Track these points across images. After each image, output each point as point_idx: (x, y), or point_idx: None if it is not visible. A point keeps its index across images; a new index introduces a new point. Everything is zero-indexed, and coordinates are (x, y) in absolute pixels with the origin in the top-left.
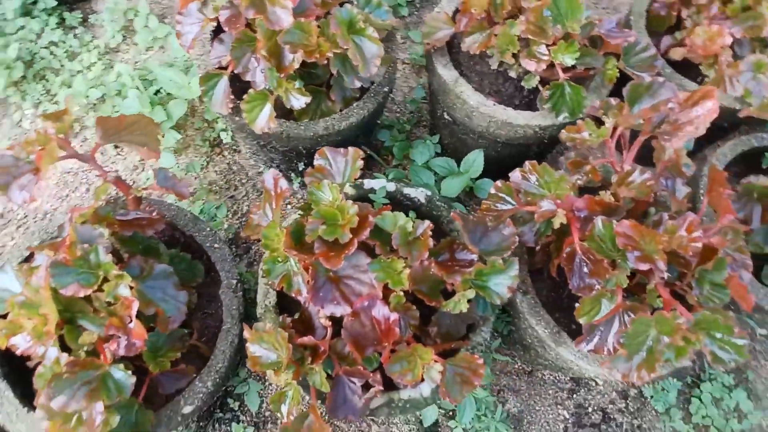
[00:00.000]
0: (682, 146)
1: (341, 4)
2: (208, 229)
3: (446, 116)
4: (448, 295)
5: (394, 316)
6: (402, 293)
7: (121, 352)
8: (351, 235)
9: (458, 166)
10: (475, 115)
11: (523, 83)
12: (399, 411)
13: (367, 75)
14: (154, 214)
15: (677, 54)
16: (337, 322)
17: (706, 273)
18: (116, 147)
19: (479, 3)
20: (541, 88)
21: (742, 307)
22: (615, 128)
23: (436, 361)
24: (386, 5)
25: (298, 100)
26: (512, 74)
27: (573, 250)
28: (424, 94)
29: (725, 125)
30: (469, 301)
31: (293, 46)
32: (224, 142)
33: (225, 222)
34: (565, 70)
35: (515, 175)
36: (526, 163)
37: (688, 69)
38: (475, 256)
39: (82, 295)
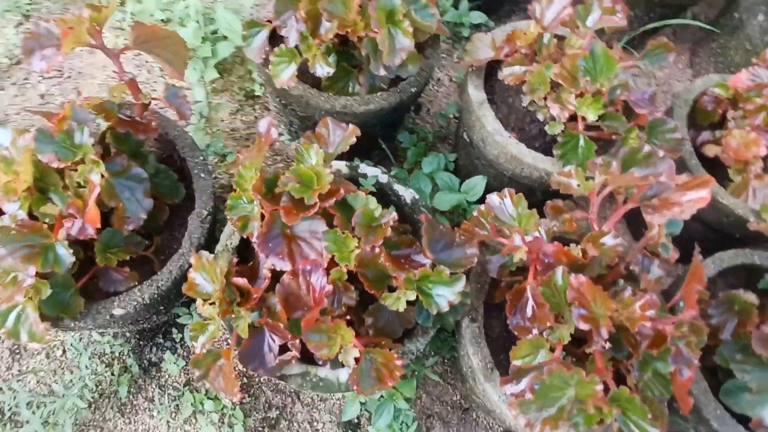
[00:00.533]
0: (663, 224)
1: None
2: (202, 158)
3: (465, 136)
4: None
5: (329, 287)
6: (345, 271)
7: (73, 232)
8: (317, 200)
9: (460, 187)
10: (489, 142)
11: (547, 128)
12: (311, 387)
13: (391, 64)
14: (153, 123)
15: (710, 151)
16: (278, 278)
17: (651, 359)
18: (162, 70)
19: (526, 37)
20: None
21: (681, 409)
22: (605, 186)
23: (355, 346)
24: (435, 10)
25: (322, 69)
26: (540, 117)
27: (523, 287)
28: (457, 113)
29: (737, 236)
30: (410, 304)
31: (331, 15)
32: (258, 96)
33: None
34: (589, 127)
35: (492, 198)
36: (506, 189)
37: (717, 168)
38: (429, 262)
39: (56, 165)
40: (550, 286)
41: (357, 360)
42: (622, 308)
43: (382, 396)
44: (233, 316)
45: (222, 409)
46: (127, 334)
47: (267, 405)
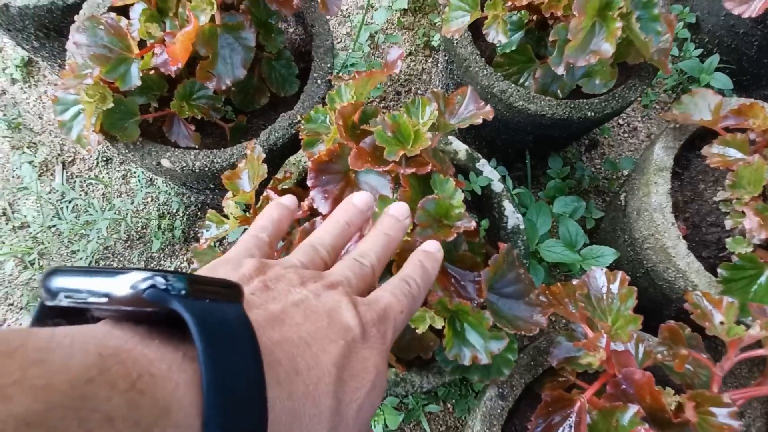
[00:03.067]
0: None
1: None
2: (329, 66)
3: (622, 198)
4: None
5: None
6: None
7: (158, 61)
8: (397, 160)
9: (582, 249)
10: (644, 216)
11: (728, 242)
12: None
13: (574, 63)
14: (295, 1)
15: None
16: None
17: None
18: None
19: (766, 120)
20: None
21: None
22: (760, 345)
23: None
24: (666, 35)
25: (496, 35)
26: (727, 224)
27: (573, 400)
28: (633, 167)
29: None
30: (436, 332)
31: None
32: (436, 48)
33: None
34: None
35: (598, 273)
36: (620, 273)
37: None
38: (478, 300)
39: None
40: (607, 421)
41: None
42: None
43: None
44: None
45: None
46: (192, 199)
47: None
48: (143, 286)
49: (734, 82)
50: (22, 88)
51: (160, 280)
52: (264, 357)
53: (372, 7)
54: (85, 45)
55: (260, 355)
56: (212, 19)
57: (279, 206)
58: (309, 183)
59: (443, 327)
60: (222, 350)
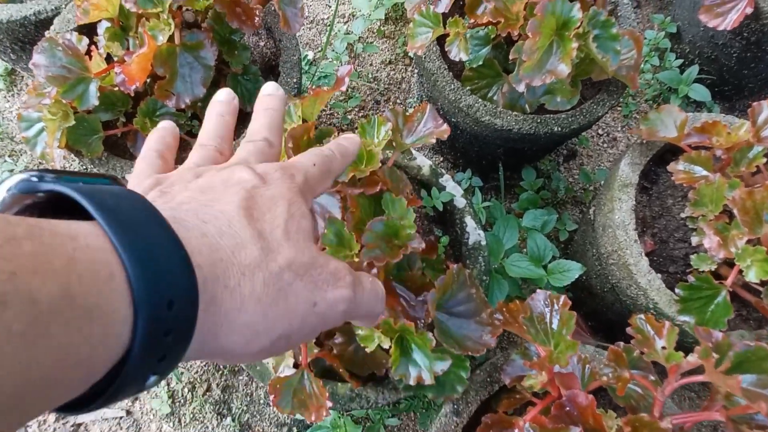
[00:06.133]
0: None
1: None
2: (294, 81)
3: (591, 212)
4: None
5: None
6: None
7: (117, 80)
8: (347, 181)
9: (551, 262)
10: (608, 232)
11: (693, 258)
12: (246, 363)
13: (529, 82)
14: (256, 19)
15: None
16: None
17: None
18: None
19: (728, 137)
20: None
21: None
22: (698, 372)
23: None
24: (629, 53)
25: (457, 52)
26: (693, 240)
27: (513, 423)
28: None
29: None
30: (385, 350)
31: None
32: (410, 56)
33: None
34: (746, 287)
35: (540, 296)
36: (563, 297)
37: None
38: (426, 321)
39: (129, 7)
40: None
41: (297, 366)
42: None
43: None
44: None
45: None
46: None
47: None
48: (17, 180)
49: (716, 92)
50: (5, 97)
51: (34, 174)
52: (169, 221)
53: (353, 16)
54: (44, 66)
55: (158, 213)
56: (171, 38)
57: (156, 131)
58: None
59: (390, 347)
60: (121, 216)
